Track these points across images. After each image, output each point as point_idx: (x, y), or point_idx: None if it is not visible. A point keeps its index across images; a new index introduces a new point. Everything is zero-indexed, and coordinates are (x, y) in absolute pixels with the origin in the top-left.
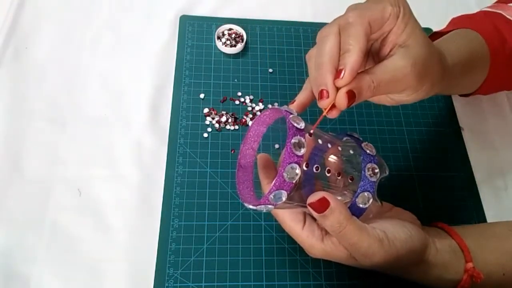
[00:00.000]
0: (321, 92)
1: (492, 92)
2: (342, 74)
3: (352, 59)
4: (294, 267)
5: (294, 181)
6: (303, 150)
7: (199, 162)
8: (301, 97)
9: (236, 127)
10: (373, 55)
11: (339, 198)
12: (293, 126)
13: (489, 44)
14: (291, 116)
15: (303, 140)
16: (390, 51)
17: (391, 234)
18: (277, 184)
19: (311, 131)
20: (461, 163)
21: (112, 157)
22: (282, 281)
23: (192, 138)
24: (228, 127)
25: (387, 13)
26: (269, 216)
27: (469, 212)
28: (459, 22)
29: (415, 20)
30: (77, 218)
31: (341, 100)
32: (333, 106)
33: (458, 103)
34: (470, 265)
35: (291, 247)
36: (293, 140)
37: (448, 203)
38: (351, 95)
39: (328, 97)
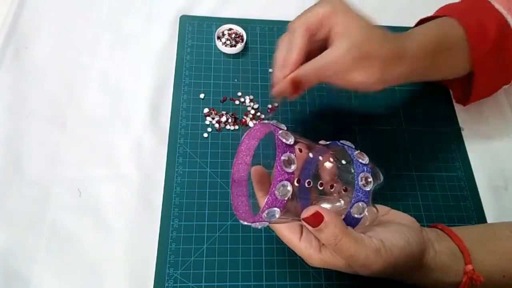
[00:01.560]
0: (274, 82)
1: (487, 90)
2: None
3: (292, 56)
4: (294, 267)
5: (286, 198)
6: (293, 167)
7: (199, 162)
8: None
9: (236, 127)
10: (327, 46)
11: (336, 204)
12: (282, 142)
13: (469, 36)
14: (280, 132)
15: (292, 156)
16: (334, 40)
17: (388, 242)
18: (269, 202)
19: (301, 148)
20: (461, 163)
21: (112, 157)
22: (282, 281)
23: (192, 138)
24: (228, 127)
25: (319, 15)
26: None
27: (469, 212)
28: (442, 10)
29: (351, 12)
30: (77, 218)
31: (286, 85)
32: (293, 91)
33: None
34: (469, 267)
35: None
36: (282, 158)
37: (448, 203)
38: (294, 81)
39: (274, 86)
